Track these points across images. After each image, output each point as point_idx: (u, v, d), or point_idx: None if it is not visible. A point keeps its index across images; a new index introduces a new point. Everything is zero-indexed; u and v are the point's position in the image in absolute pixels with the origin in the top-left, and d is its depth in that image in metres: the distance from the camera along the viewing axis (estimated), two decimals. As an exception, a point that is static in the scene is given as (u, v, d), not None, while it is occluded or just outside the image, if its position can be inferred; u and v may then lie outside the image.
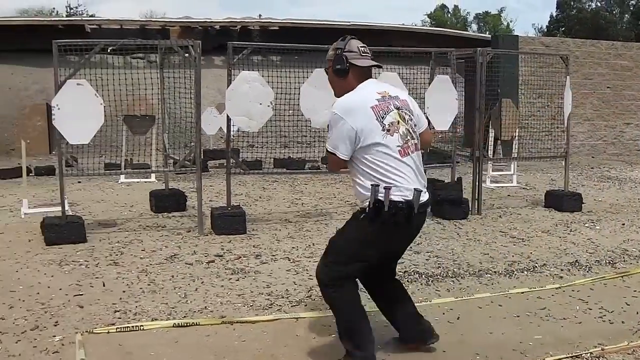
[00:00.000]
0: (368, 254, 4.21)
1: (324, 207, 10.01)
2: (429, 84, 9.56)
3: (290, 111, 9.57)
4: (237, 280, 6.35)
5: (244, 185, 11.67)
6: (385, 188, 4.00)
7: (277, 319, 5.29)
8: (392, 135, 4.06)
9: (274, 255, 7.23)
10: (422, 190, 4.15)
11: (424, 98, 9.42)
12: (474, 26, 66.28)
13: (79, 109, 7.51)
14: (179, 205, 9.60)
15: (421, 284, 6.23)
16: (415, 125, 4.27)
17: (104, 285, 6.14)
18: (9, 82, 17.97)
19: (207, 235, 8.05)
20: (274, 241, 7.88)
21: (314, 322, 5.21)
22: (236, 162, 9.21)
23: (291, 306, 5.62)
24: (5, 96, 17.48)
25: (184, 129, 13.59)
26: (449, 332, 5.00)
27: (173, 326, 5.05)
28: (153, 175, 12.09)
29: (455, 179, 9.64)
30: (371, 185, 4.02)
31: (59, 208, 8.75)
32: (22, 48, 17.98)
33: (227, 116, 8.35)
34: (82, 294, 5.93)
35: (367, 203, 4.05)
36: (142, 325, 5.09)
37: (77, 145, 8.40)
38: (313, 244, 7.74)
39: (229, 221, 8.18)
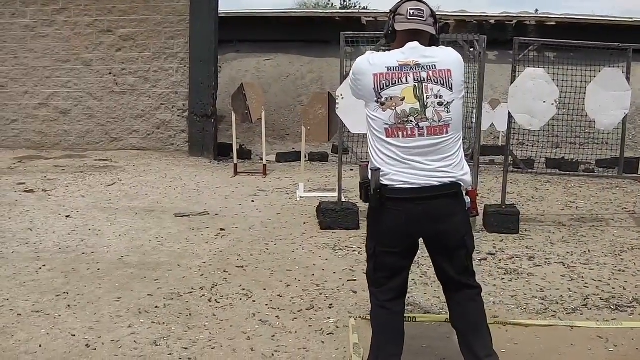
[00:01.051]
0: (374, 247, 3.86)
1: (600, 212, 9.59)
2: None
3: (564, 110, 9.26)
4: (510, 280, 6.23)
5: (516, 184, 11.46)
6: (372, 169, 3.68)
7: (551, 325, 5.13)
8: (385, 111, 3.63)
9: (547, 259, 7.02)
10: (405, 176, 3.64)
11: None
12: None
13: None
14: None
15: None
16: (446, 104, 3.64)
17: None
18: (288, 71, 18.83)
19: (478, 232, 7.97)
20: (548, 244, 7.65)
21: (591, 332, 4.98)
22: (513, 159, 9.04)
23: (566, 313, 5.42)
24: (283, 84, 18.34)
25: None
26: None
27: (445, 321, 5.06)
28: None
29: None
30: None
31: (332, 193, 9.08)
32: (299, 39, 18.77)
33: (509, 113, 8.21)
34: (355, 280, 6.08)
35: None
36: (414, 317, 5.14)
37: (353, 135, 8.61)
38: (589, 250, 7.42)
39: (503, 220, 8.04)
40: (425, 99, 3.61)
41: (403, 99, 3.62)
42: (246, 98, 11.91)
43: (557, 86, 8.31)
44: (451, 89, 3.64)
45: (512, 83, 8.13)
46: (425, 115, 3.62)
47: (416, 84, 3.62)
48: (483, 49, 8.06)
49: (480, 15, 20.03)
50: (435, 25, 3.78)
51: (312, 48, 18.66)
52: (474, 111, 8.44)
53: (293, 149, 14.17)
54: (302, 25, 18.93)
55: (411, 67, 3.63)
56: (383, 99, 3.64)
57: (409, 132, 3.63)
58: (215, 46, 14.15)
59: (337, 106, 7.91)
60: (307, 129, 10.20)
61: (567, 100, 8.97)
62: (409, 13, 3.70)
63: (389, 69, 3.64)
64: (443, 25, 4.20)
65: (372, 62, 3.71)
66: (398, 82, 3.63)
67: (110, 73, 14.55)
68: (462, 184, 3.72)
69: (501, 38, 17.61)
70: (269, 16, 19.23)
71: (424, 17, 3.70)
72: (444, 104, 3.63)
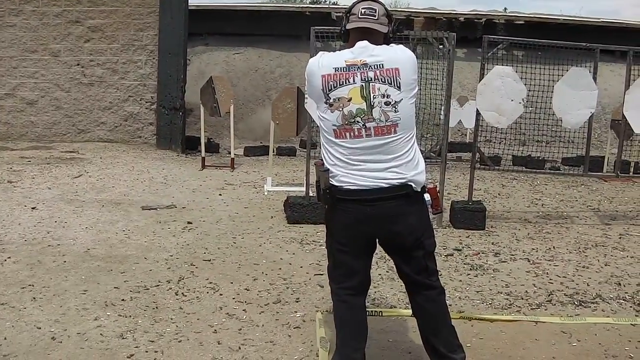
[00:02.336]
0: (331, 245, 3.91)
1: (565, 210, 9.69)
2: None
3: (531, 108, 9.35)
4: (476, 276, 6.29)
5: (482, 181, 11.53)
6: (321, 170, 3.74)
7: (516, 320, 5.19)
8: (332, 112, 3.63)
9: (513, 255, 7.09)
10: (350, 179, 3.65)
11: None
12: None
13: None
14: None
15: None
16: (393, 103, 3.61)
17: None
18: (257, 65, 18.76)
19: (445, 228, 8.04)
20: (513, 240, 7.73)
21: (555, 328, 5.05)
22: (480, 156, 9.11)
23: (531, 309, 5.49)
24: (252, 78, 18.30)
25: (425, 120, 13.62)
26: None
27: (411, 315, 5.08)
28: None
29: None
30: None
31: (300, 188, 9.10)
32: (269, 33, 18.73)
33: (477, 110, 8.28)
34: (322, 274, 6.07)
35: None
36: (381, 312, 5.17)
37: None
38: (554, 247, 7.51)
39: (469, 216, 8.11)
40: (371, 99, 3.61)
41: (350, 100, 3.62)
42: (215, 91, 11.88)
43: (525, 84, 8.39)
44: (399, 87, 3.62)
45: (480, 81, 8.19)
46: (371, 115, 3.61)
47: (363, 84, 3.62)
48: (452, 46, 8.12)
49: (450, 13, 20.11)
50: (389, 25, 3.79)
51: (281, 42, 18.62)
52: (442, 108, 8.49)
53: (261, 143, 14.15)
54: (272, 19, 18.87)
55: (358, 67, 3.63)
56: (331, 100, 3.65)
57: (356, 133, 3.63)
58: (184, 39, 14.07)
59: (305, 101, 7.93)
60: (275, 123, 10.20)
61: (534, 99, 9.06)
62: (361, 12, 3.73)
63: (336, 69, 3.65)
64: (399, 25, 4.21)
65: (321, 64, 3.72)
66: (345, 83, 3.63)
67: (78, 64, 14.41)
68: (414, 185, 3.68)
69: (470, 36, 17.72)
70: (239, 9, 19.15)
71: (375, 16, 3.72)
72: (392, 103, 3.62)
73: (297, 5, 21.20)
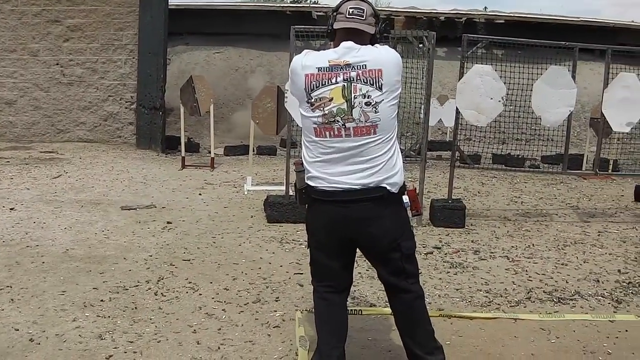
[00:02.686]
0: (309, 242, 3.95)
1: (544, 207, 9.74)
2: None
3: (511, 106, 9.38)
4: (455, 274, 6.31)
5: (462, 179, 11.58)
6: (296, 171, 3.80)
7: (495, 318, 5.21)
8: (314, 111, 3.62)
9: (492, 253, 7.12)
10: (327, 180, 3.66)
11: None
12: None
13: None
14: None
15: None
16: (374, 104, 3.59)
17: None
18: (237, 64, 18.74)
19: (425, 227, 8.06)
20: (493, 238, 7.76)
21: (534, 324, 5.08)
22: (460, 155, 9.13)
23: (510, 306, 5.51)
24: (233, 77, 18.27)
25: (405, 119, 13.64)
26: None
27: (390, 314, 5.09)
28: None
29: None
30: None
31: (280, 187, 9.10)
32: (250, 32, 18.71)
33: (456, 109, 8.30)
34: (302, 273, 6.10)
35: None
36: (360, 310, 5.17)
37: (301, 128, 8.61)
38: (533, 244, 7.55)
39: (449, 214, 8.14)
40: (352, 99, 3.59)
41: (331, 99, 3.60)
42: (195, 91, 11.86)
43: (505, 83, 8.42)
44: (380, 88, 3.59)
45: (460, 79, 8.21)
46: (351, 115, 3.59)
47: (345, 84, 3.59)
48: (432, 45, 8.13)
49: (430, 12, 20.15)
50: (376, 25, 3.77)
51: (262, 41, 18.62)
52: (422, 107, 8.51)
53: (241, 142, 14.12)
54: (252, 19, 18.86)
55: (341, 67, 3.61)
56: (313, 100, 3.63)
57: (336, 132, 3.62)
58: (164, 38, 14.03)
59: (285, 100, 7.92)
60: (255, 122, 10.18)
61: (514, 97, 9.09)
62: (349, 12, 3.69)
63: (319, 69, 3.63)
64: (386, 25, 4.19)
65: (304, 63, 3.70)
66: (328, 83, 3.61)
67: (57, 64, 14.34)
68: (389, 187, 3.67)
69: (451, 35, 17.78)
70: (219, 9, 19.11)
71: (363, 17, 3.69)
72: (372, 104, 3.59)
73: (278, 5, 21.22)
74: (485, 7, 25.97)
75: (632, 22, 20.27)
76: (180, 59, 18.23)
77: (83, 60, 14.32)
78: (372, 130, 3.61)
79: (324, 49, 3.83)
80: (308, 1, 40.33)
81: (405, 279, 3.84)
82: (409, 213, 3.89)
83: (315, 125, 3.65)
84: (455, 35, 17.35)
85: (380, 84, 3.60)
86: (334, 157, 3.64)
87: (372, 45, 3.75)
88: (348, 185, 3.63)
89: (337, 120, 3.60)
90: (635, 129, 10.28)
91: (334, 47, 3.74)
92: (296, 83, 3.72)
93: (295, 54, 7.99)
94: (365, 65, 3.60)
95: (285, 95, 7.89)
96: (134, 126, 14.31)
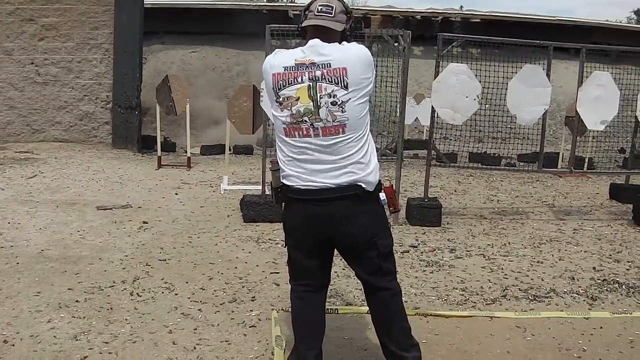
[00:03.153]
0: (286, 241, 3.95)
1: (520, 205, 9.80)
2: (643, 85, 9.14)
3: (487, 105, 9.42)
4: (432, 272, 6.33)
5: (439, 178, 11.62)
6: (271, 169, 3.85)
7: (471, 316, 5.23)
8: (282, 111, 3.62)
9: (468, 251, 7.15)
10: (301, 178, 3.67)
11: (629, 99, 9.10)
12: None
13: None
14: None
15: (621, 294, 5.95)
16: (340, 103, 3.56)
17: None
18: (214, 63, 18.68)
19: (401, 225, 8.08)
20: (469, 236, 7.80)
21: (510, 322, 5.10)
22: (436, 154, 9.16)
23: (486, 304, 5.54)
24: (209, 77, 18.21)
25: (381, 117, 13.66)
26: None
27: (367, 313, 5.09)
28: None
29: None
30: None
31: (256, 186, 9.08)
32: (226, 31, 18.66)
33: (432, 107, 8.33)
34: (278, 272, 6.10)
35: None
36: (336, 309, 5.17)
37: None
38: (509, 242, 7.59)
39: (425, 213, 8.17)
40: (318, 99, 3.57)
41: (298, 99, 3.59)
42: (171, 90, 11.81)
43: (481, 82, 8.46)
44: (346, 87, 3.55)
45: (435, 78, 8.24)
46: (318, 115, 3.57)
47: (310, 84, 3.57)
48: (407, 44, 8.15)
49: (407, 11, 20.20)
50: (347, 22, 3.75)
51: (238, 40, 18.57)
52: (398, 105, 8.53)
53: (218, 141, 14.08)
54: (228, 18, 18.80)
55: (307, 66, 3.58)
56: (281, 99, 3.63)
57: (304, 132, 3.61)
58: (140, 37, 13.98)
59: (261, 99, 7.92)
60: (232, 121, 10.16)
61: (490, 96, 9.13)
62: (317, 9, 3.68)
63: (285, 68, 3.62)
64: (356, 22, 4.17)
65: (272, 63, 3.70)
66: (294, 82, 3.59)
67: (32, 63, 14.22)
68: (364, 185, 3.66)
69: (427, 34, 17.82)
70: (196, 8, 19.05)
71: (332, 14, 3.67)
72: (338, 103, 3.56)
73: (254, 4, 21.15)
74: (462, 6, 26.10)
75: (607, 21, 20.45)
76: (157, 58, 18.14)
77: (58, 59, 14.22)
78: (341, 130, 3.59)
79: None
80: (284, 0, 40.32)
81: (382, 277, 3.84)
82: (387, 210, 3.89)
83: (285, 125, 3.65)
84: (431, 34, 17.37)
85: (345, 82, 3.56)
86: (305, 157, 3.63)
87: (345, 41, 3.73)
88: (322, 183, 3.62)
89: (305, 120, 3.59)
90: (610, 127, 10.38)
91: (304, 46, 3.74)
92: (267, 83, 3.72)
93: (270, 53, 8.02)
94: (330, 64, 3.56)
95: (261, 94, 7.88)
96: (109, 126, 14.23)
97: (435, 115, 8.42)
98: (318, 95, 3.56)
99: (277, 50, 3.86)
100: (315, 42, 3.63)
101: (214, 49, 18.78)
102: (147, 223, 7.77)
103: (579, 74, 8.82)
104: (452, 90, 8.04)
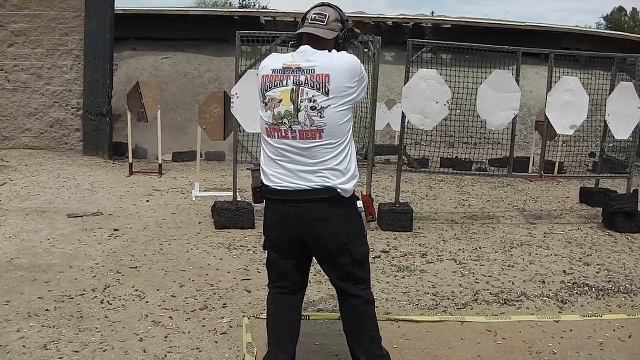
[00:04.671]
0: (264, 241, 4.01)
1: (491, 210, 9.87)
2: (610, 90, 9.21)
3: (458, 110, 9.48)
4: (403, 277, 6.36)
5: (410, 183, 11.66)
6: (251, 170, 3.95)
7: (442, 320, 5.26)
8: (266, 112, 3.72)
9: (439, 256, 7.19)
10: (278, 179, 3.73)
11: (598, 103, 9.17)
12: (655, 30, 63.05)
13: (257, 99, 7.64)
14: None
15: (591, 297, 6.02)
16: (319, 109, 3.61)
17: (271, 272, 6.24)
18: (185, 69, 18.61)
19: (372, 231, 8.09)
20: (440, 241, 7.84)
21: (480, 326, 5.14)
22: (407, 159, 9.21)
23: (457, 308, 5.57)
24: (181, 83, 18.15)
25: (354, 123, 13.73)
26: (620, 350, 4.83)
27: (338, 318, 5.10)
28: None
29: (631, 191, 9.22)
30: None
31: (228, 193, 9.06)
32: (198, 37, 18.62)
33: (402, 113, 8.36)
34: (249, 279, 6.10)
35: None
36: (308, 315, 5.17)
37: (248, 134, 8.60)
38: (480, 246, 7.64)
39: (397, 218, 8.20)
40: (299, 103, 3.63)
41: (280, 101, 3.67)
42: (141, 97, 11.77)
43: (452, 87, 8.52)
44: (327, 93, 3.61)
45: (405, 84, 8.27)
46: (297, 118, 3.64)
47: (294, 87, 3.64)
48: (377, 50, 8.18)
49: (378, 17, 20.27)
50: (342, 30, 3.83)
51: (210, 47, 18.53)
52: (368, 111, 8.56)
53: (190, 148, 14.04)
54: (200, 24, 18.75)
55: (292, 70, 3.66)
56: (266, 100, 3.72)
57: (283, 134, 3.69)
58: (110, 43, 13.91)
59: (232, 105, 7.90)
60: (202, 128, 10.14)
61: (461, 101, 9.19)
62: (311, 17, 3.80)
63: (273, 71, 3.70)
64: (348, 30, 4.23)
65: (264, 65, 3.79)
66: (279, 85, 3.68)
67: (1, 69, 14.08)
68: (340, 190, 3.69)
69: (398, 39, 17.89)
70: (167, 14, 18.98)
71: (324, 22, 3.76)
72: (317, 108, 3.61)
73: (226, 10, 21.16)
74: (433, 12, 26.20)
75: (576, 26, 20.64)
76: (128, 64, 18.06)
77: (28, 65, 14.10)
78: (318, 135, 3.64)
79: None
80: (256, 6, 40.27)
81: (354, 284, 3.86)
82: (364, 218, 3.91)
83: (267, 126, 3.73)
84: (402, 39, 17.32)
85: (327, 89, 3.61)
86: (283, 158, 3.70)
87: (337, 50, 3.80)
88: (297, 185, 3.68)
89: (284, 122, 3.66)
90: (580, 131, 10.47)
91: None
92: (258, 84, 3.80)
93: (241, 59, 8.03)
94: (314, 69, 3.63)
95: (232, 100, 7.87)
96: (80, 132, 14.12)
97: (406, 121, 8.45)
98: (299, 99, 3.63)
99: (272, 53, 3.94)
100: (306, 48, 3.72)
101: (185, 55, 18.72)
102: (117, 230, 7.72)
103: (548, 78, 8.90)
104: (422, 96, 8.08)
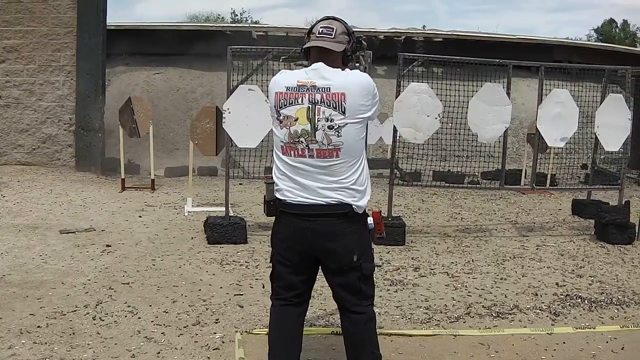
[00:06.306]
0: (272, 254, 4.00)
1: (484, 223, 9.88)
2: (600, 101, 9.25)
3: (450, 124, 9.50)
4: (396, 291, 6.36)
5: (403, 197, 11.67)
6: (266, 182, 3.93)
7: (435, 335, 5.26)
8: (282, 129, 3.72)
9: (432, 269, 7.19)
10: (294, 194, 3.74)
11: (590, 115, 9.20)
12: (646, 42, 63.32)
13: (249, 114, 7.68)
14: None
15: (583, 309, 6.03)
16: (336, 127, 3.63)
17: (263, 287, 6.23)
18: (178, 84, 18.63)
19: (365, 244, 8.09)
20: (433, 254, 7.84)
21: (474, 340, 5.14)
22: (400, 173, 9.22)
23: (450, 322, 5.57)
24: (173, 98, 18.16)
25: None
26: (614, 362, 4.84)
27: (331, 333, 5.11)
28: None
29: (623, 202, 9.25)
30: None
31: (221, 208, 9.05)
32: (190, 52, 18.63)
33: (394, 127, 8.38)
34: (242, 294, 6.10)
35: None
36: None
37: (241, 149, 8.60)
38: (472, 260, 7.64)
39: (389, 232, 8.15)
40: (316, 122, 3.64)
41: (296, 120, 3.67)
42: (134, 112, 11.76)
43: (444, 101, 8.55)
44: (343, 112, 3.62)
45: (397, 97, 8.30)
46: (315, 137, 3.65)
47: (310, 106, 3.64)
48: (369, 64, 8.19)
49: (370, 31, 20.28)
50: (349, 43, 3.82)
51: (202, 62, 18.53)
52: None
53: (182, 163, 14.03)
54: (192, 39, 18.75)
55: (307, 89, 3.66)
56: (281, 117, 3.71)
57: (300, 152, 3.69)
58: (102, 59, 13.91)
59: (224, 120, 7.90)
60: (195, 143, 10.14)
61: (453, 115, 9.21)
62: (318, 31, 3.79)
63: (287, 88, 3.70)
64: (356, 43, 4.25)
65: (277, 81, 3.79)
66: (294, 103, 3.67)
67: (-7, 86, 14.10)
68: (354, 206, 3.71)
69: (390, 53, 17.85)
70: (159, 29, 18.99)
71: (332, 35, 3.76)
72: (335, 127, 3.63)
73: (218, 25, 21.18)
74: (424, 26, 26.30)
75: (567, 39, 20.72)
76: (120, 79, 18.06)
77: (20, 81, 14.09)
78: (335, 154, 3.66)
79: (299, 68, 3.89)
80: (248, 21, 40.32)
81: (359, 300, 3.88)
82: (374, 235, 3.96)
83: (282, 144, 3.73)
84: (394, 53, 17.34)
85: (343, 108, 3.63)
86: (300, 175, 3.72)
87: (346, 63, 3.82)
88: (313, 200, 3.69)
89: (301, 141, 3.67)
90: (571, 143, 10.50)
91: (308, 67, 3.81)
92: (270, 100, 3.80)
93: (233, 74, 8.04)
94: (330, 88, 3.64)
95: (224, 115, 7.87)
96: (72, 148, 14.10)
97: (398, 135, 8.47)
98: (316, 117, 3.65)
99: (282, 70, 3.91)
100: (319, 65, 3.72)
101: (177, 70, 18.74)
102: (110, 246, 7.71)
103: (539, 91, 8.94)
104: (413, 110, 8.11)
